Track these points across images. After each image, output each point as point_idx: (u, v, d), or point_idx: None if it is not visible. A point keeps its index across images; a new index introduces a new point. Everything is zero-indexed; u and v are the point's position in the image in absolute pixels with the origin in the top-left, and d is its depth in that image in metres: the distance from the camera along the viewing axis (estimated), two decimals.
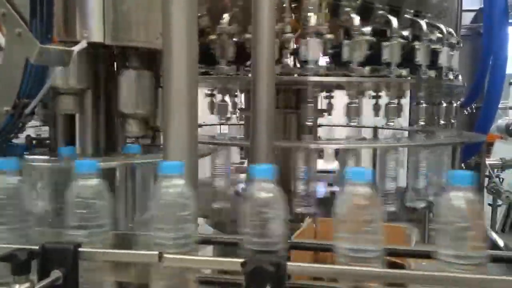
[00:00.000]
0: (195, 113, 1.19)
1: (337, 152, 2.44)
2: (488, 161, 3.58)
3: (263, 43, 1.60)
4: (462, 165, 3.02)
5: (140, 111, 1.48)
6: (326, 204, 2.11)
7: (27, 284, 0.88)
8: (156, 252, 0.95)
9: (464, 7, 3.24)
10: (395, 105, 2.00)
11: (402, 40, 1.97)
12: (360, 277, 0.90)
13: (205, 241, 1.05)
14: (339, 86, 2.13)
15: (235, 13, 2.07)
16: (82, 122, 1.39)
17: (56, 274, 0.95)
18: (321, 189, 1.99)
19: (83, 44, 1.09)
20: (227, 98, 2.18)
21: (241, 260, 0.88)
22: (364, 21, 1.99)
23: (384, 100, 2.14)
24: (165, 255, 0.94)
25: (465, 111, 3.36)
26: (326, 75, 1.97)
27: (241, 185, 2.14)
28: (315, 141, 2.20)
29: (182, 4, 1.20)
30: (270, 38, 1.62)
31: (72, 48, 1.04)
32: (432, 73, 2.15)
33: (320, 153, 2.21)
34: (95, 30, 1.27)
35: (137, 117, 1.50)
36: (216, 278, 1.13)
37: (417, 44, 2.03)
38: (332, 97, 2.52)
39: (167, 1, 1.18)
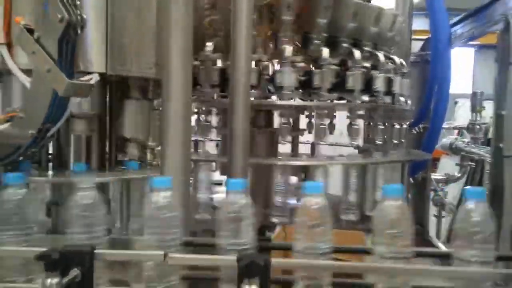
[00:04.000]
0: (189, 135, 1.39)
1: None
2: (433, 176, 3.91)
3: (240, 70, 1.81)
4: (411, 179, 3.33)
5: (139, 136, 1.67)
6: None
7: (57, 279, 1.05)
8: (162, 252, 1.14)
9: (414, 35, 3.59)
10: (357, 127, 2.25)
11: (363, 69, 2.25)
12: (316, 269, 1.14)
13: (188, 243, 1.25)
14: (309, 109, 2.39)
15: (217, 42, 2.26)
16: (91, 142, 1.57)
17: (75, 272, 1.13)
18: (293, 201, 2.21)
19: (96, 77, 1.28)
20: (209, 118, 2.38)
21: (235, 257, 1.09)
22: (331, 52, 2.26)
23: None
24: (170, 255, 1.14)
25: (413, 130, 3.70)
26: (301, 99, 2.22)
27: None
28: (280, 158, 2.42)
29: (179, 38, 1.41)
30: (247, 66, 1.83)
31: (91, 82, 1.22)
32: (388, 99, 2.43)
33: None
34: (98, 62, 1.45)
35: (137, 141, 1.69)
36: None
37: (375, 73, 2.31)
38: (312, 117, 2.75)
39: (167, 35, 1.38)
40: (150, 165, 1.78)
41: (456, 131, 5.18)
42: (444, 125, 4.90)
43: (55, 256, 1.06)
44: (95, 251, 1.15)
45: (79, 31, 1.17)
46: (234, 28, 1.78)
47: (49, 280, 1.05)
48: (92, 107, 1.45)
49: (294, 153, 2.53)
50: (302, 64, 2.17)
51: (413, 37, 3.79)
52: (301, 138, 2.73)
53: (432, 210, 3.92)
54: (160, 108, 1.66)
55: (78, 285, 1.12)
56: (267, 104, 2.20)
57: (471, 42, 4.47)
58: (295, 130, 2.50)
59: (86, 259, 1.14)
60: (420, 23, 4.26)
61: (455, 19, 3.42)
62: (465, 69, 11.97)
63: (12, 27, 1.36)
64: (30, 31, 1.16)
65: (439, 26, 3.22)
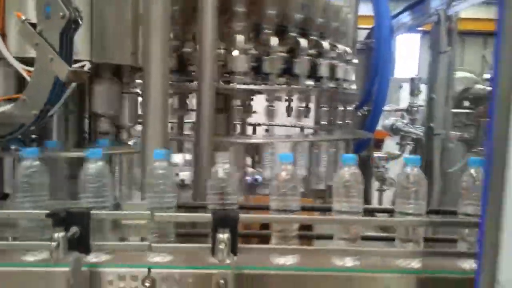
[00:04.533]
0: (167, 115, 1.63)
1: None
2: (376, 154, 4.30)
3: (206, 58, 2.04)
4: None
5: (110, 112, 1.88)
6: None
7: (63, 233, 1.28)
8: (149, 212, 1.39)
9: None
10: (304, 108, 2.54)
11: (309, 57, 2.52)
12: (285, 221, 1.43)
13: (181, 206, 1.50)
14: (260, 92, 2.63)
15: (176, 30, 2.47)
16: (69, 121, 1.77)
17: (74, 229, 1.36)
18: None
19: (88, 65, 1.49)
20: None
21: (210, 214, 1.36)
22: (280, 41, 2.51)
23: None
24: (156, 213, 1.39)
25: (359, 113, 4.05)
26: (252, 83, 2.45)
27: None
28: (238, 137, 2.66)
29: (159, 30, 1.64)
30: (211, 55, 2.06)
31: (87, 70, 1.43)
32: (332, 84, 2.73)
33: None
34: (85, 51, 1.66)
35: (107, 116, 1.90)
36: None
37: (320, 60, 2.59)
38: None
39: (147, 29, 1.60)
40: (125, 143, 2.01)
41: (399, 113, 5.61)
42: (388, 108, 5.33)
43: (62, 215, 1.29)
44: (91, 212, 1.38)
45: (78, 25, 1.37)
46: (200, 19, 2.00)
47: (56, 234, 1.28)
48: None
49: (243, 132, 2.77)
50: (253, 51, 2.36)
51: (361, 26, 4.13)
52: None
53: (375, 185, 4.32)
54: (138, 91, 1.89)
55: (78, 240, 1.36)
56: (223, 88, 2.42)
57: (418, 28, 4.82)
58: (247, 112, 2.75)
59: (84, 218, 1.38)
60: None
61: (397, 10, 3.76)
62: (412, 55, 12.61)
63: (6, 20, 1.55)
64: (33, 25, 1.36)
65: (381, 16, 3.55)
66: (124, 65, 1.86)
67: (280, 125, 3.52)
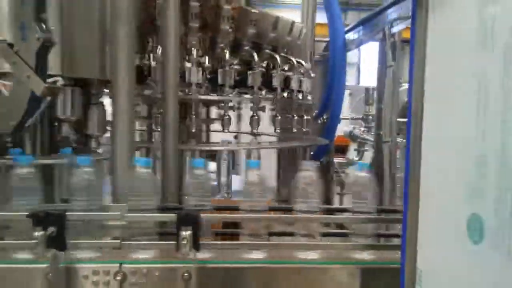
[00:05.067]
0: (133, 122, 1.80)
1: None
2: (336, 160, 4.54)
3: (170, 70, 2.18)
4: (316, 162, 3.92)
5: (71, 117, 2.02)
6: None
7: (42, 232, 1.43)
8: (118, 212, 1.55)
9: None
10: (256, 117, 2.72)
11: (262, 69, 2.71)
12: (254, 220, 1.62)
13: (161, 208, 1.67)
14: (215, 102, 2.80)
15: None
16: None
17: (51, 229, 1.50)
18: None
19: (61, 80, 1.64)
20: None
21: (175, 214, 1.53)
22: (235, 54, 2.69)
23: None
24: (126, 214, 1.55)
25: (318, 121, 4.29)
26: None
27: None
28: (199, 145, 2.83)
29: (125, 48, 1.80)
30: (175, 66, 2.21)
31: (59, 85, 1.59)
32: (286, 94, 2.93)
33: None
34: (56, 67, 1.81)
35: (69, 121, 2.03)
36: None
37: (273, 72, 2.79)
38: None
39: (115, 47, 1.77)
40: (93, 151, 2.15)
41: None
42: (348, 116, 5.60)
43: (41, 215, 1.44)
44: (66, 213, 1.53)
45: (52, 45, 1.52)
46: (164, 34, 2.16)
47: (36, 233, 1.43)
48: None
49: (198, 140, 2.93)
50: (207, 64, 2.52)
51: (320, 38, 4.38)
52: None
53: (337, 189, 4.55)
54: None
55: (53, 239, 1.50)
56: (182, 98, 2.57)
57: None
58: (205, 120, 2.92)
59: (60, 219, 1.52)
60: None
61: (349, 26, 4.02)
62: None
63: None
64: (10, 45, 1.50)
65: (335, 30, 3.80)
66: (93, 78, 2.01)
67: (243, 133, 3.73)
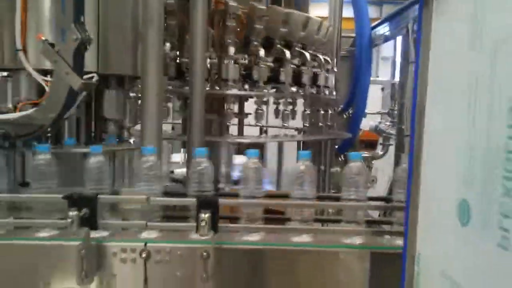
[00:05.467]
0: (161, 117, 1.96)
1: None
2: (363, 154, 4.61)
3: (197, 66, 2.35)
4: (342, 156, 4.02)
5: (116, 117, 2.20)
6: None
7: (76, 212, 1.59)
8: (145, 196, 1.70)
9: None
10: (289, 112, 2.84)
11: (293, 66, 2.83)
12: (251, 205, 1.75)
13: (166, 193, 1.81)
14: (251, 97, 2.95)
15: (173, 42, 2.79)
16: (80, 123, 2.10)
17: (85, 210, 1.67)
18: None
19: (96, 77, 1.81)
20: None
21: (195, 198, 1.67)
22: (268, 51, 2.82)
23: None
24: (151, 198, 1.70)
25: (344, 115, 4.37)
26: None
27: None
28: (227, 137, 2.98)
29: (156, 45, 1.95)
30: (202, 63, 2.37)
31: (94, 81, 1.75)
32: (314, 90, 3.05)
33: None
34: (92, 64, 1.98)
35: (114, 121, 2.22)
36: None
37: (303, 69, 2.90)
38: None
39: (145, 47, 1.92)
40: (126, 141, 2.33)
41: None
42: (373, 111, 5.64)
43: (75, 197, 1.60)
44: (99, 196, 1.70)
45: (88, 46, 1.69)
46: (192, 32, 2.31)
47: (70, 213, 1.60)
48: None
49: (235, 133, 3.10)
50: (243, 61, 2.69)
51: (347, 34, 4.45)
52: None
53: None
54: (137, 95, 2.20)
55: (87, 219, 1.67)
56: (215, 93, 2.73)
57: None
58: (240, 115, 3.07)
59: (93, 201, 1.69)
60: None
61: (376, 22, 4.08)
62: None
63: (28, 37, 1.87)
64: (52, 45, 1.67)
65: (362, 27, 3.88)
66: (125, 75, 2.17)
67: (272, 127, 3.87)
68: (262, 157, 5.16)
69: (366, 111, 4.35)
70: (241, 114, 3.09)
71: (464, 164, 1.15)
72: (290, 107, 2.94)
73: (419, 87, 1.45)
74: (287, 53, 2.80)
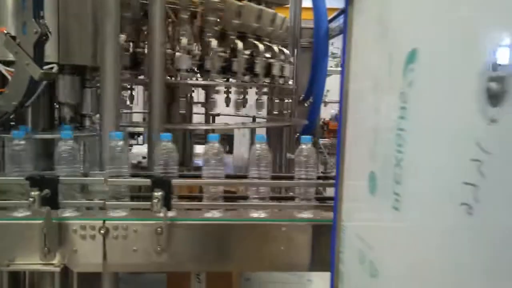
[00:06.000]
0: (118, 106, 2.10)
1: None
2: (321, 141, 4.83)
3: (155, 56, 2.49)
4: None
5: (70, 101, 2.32)
6: None
7: (37, 192, 1.73)
8: (102, 178, 1.85)
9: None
10: (241, 100, 3.02)
11: (246, 56, 2.99)
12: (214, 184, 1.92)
13: (134, 175, 1.96)
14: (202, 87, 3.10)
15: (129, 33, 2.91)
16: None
17: (46, 191, 1.81)
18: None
19: (56, 67, 1.94)
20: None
21: (150, 179, 1.83)
22: (222, 42, 2.97)
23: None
24: (108, 179, 1.86)
25: (305, 104, 4.57)
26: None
27: None
28: (188, 125, 3.14)
29: (112, 39, 2.09)
30: (160, 53, 2.51)
31: (55, 71, 1.88)
32: (268, 79, 3.22)
33: None
34: (53, 55, 2.10)
35: (68, 105, 2.33)
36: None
37: (257, 59, 3.07)
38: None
39: (103, 38, 2.06)
40: (87, 128, 2.45)
41: None
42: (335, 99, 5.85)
43: (36, 178, 1.75)
44: (59, 178, 1.84)
45: (47, 38, 1.82)
46: (150, 25, 2.45)
47: (32, 193, 1.74)
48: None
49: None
50: (197, 52, 2.83)
51: (308, 26, 4.63)
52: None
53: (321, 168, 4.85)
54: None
55: (48, 199, 1.81)
56: (172, 83, 2.84)
57: None
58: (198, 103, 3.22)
59: (53, 182, 1.83)
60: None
61: (332, 15, 4.27)
62: None
63: None
64: (13, 38, 1.79)
65: (319, 19, 4.06)
66: (85, 65, 2.30)
67: (232, 115, 4.04)
68: (230, 145, 5.34)
69: (328, 100, 4.55)
70: (206, 104, 3.23)
71: (372, 142, 1.34)
72: (245, 96, 3.10)
73: (345, 76, 1.64)
74: (240, 44, 2.95)
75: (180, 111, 2.74)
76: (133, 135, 5.44)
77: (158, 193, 1.78)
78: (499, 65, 0.75)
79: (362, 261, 1.38)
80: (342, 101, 1.65)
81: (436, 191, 0.93)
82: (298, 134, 4.23)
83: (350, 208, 1.57)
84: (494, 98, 0.75)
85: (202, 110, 3.77)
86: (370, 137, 1.36)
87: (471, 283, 0.82)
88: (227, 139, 5.27)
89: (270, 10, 3.26)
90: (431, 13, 0.99)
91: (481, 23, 0.80)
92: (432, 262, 0.95)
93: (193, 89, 3.15)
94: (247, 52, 2.99)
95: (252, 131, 4.24)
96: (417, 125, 1.04)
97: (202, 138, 4.08)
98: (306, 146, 1.99)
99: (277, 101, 3.34)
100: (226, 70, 2.93)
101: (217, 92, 2.98)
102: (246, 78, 2.99)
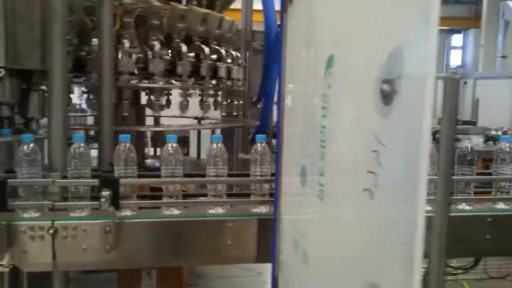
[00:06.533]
0: (66, 109, 2.14)
1: None
2: (274, 141, 4.94)
3: (105, 59, 2.52)
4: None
5: (9, 100, 2.32)
6: None
7: None
8: (51, 179, 1.90)
9: None
10: (186, 102, 3.06)
11: (191, 60, 3.05)
12: (169, 183, 1.99)
13: (94, 176, 2.00)
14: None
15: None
16: None
17: None
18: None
19: (2, 71, 1.96)
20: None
21: (98, 179, 1.89)
22: (167, 45, 3.01)
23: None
24: (56, 180, 1.90)
25: (258, 105, 4.68)
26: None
27: None
28: (141, 127, 3.18)
29: (59, 42, 2.12)
30: (110, 56, 2.55)
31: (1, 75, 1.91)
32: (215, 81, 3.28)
33: None
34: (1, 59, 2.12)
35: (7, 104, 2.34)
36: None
37: (202, 62, 3.13)
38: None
39: (50, 40, 2.10)
40: (35, 132, 2.47)
41: None
42: None
43: None
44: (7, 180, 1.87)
45: None
46: (100, 30, 2.49)
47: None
48: None
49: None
50: (138, 54, 2.81)
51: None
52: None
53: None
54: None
55: None
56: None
57: None
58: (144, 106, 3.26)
59: (1, 184, 1.86)
60: None
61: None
62: None
63: None
64: None
65: (269, 23, 4.18)
66: (33, 69, 2.33)
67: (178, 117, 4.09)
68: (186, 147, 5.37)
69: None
70: (152, 106, 3.27)
71: (303, 139, 1.46)
72: (187, 98, 3.11)
73: (282, 78, 1.76)
74: (184, 47, 3.00)
75: (124, 114, 2.78)
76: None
77: (106, 193, 1.84)
78: (391, 70, 0.87)
79: (296, 249, 1.49)
80: (280, 102, 1.77)
81: (347, 180, 1.06)
82: (251, 134, 4.34)
83: (287, 201, 1.69)
84: (386, 97, 0.87)
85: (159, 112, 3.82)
86: (302, 134, 1.48)
87: (378, 256, 0.94)
88: (182, 141, 5.33)
89: (216, 14, 3.34)
90: (344, 25, 1.12)
91: (377, 34, 0.93)
92: (345, 244, 1.06)
93: (146, 91, 3.18)
94: (191, 54, 3.04)
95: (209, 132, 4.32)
96: (333, 123, 1.17)
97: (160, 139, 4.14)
98: (260, 145, 2.10)
99: (225, 102, 3.42)
100: (171, 73, 2.97)
101: (165, 94, 3.04)
102: (191, 80, 3.04)
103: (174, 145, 2.02)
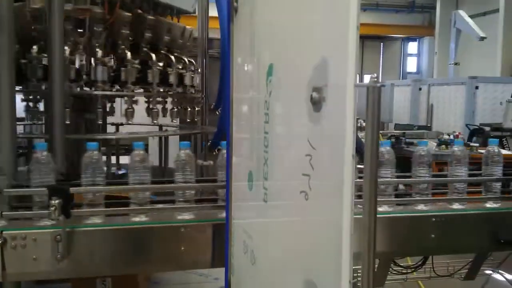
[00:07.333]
0: (14, 119, 2.12)
1: None
2: None
3: (55, 66, 2.51)
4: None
5: None
6: None
7: None
8: (45, 189, 1.86)
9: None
10: (131, 109, 3.06)
11: (159, 68, 3.07)
12: (138, 190, 1.99)
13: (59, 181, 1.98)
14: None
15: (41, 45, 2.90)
16: None
17: None
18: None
19: None
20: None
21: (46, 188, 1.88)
22: (136, 54, 3.03)
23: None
24: (4, 190, 1.88)
25: (217, 112, 4.71)
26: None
27: None
28: (94, 135, 3.16)
29: (7, 50, 2.10)
30: (61, 64, 2.53)
31: None
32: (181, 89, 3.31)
33: None
34: None
35: None
36: None
37: (169, 70, 3.16)
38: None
39: None
40: None
41: None
42: None
43: None
44: None
45: None
46: (50, 38, 2.47)
47: None
48: None
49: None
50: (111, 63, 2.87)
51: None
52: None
53: None
54: None
55: None
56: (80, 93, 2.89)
57: None
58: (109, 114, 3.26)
59: None
60: None
61: None
62: None
63: None
64: None
65: (224, 29, 4.23)
66: None
67: (143, 124, 4.09)
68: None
69: None
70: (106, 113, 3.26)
71: (250, 145, 1.50)
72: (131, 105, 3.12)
73: (230, 85, 1.80)
74: (153, 56, 3.03)
75: (77, 120, 2.77)
76: None
77: (55, 201, 1.83)
78: (319, 79, 0.93)
79: (246, 252, 1.53)
80: (229, 109, 1.81)
81: (286, 183, 1.11)
82: (210, 141, 4.36)
83: (237, 206, 1.72)
84: (316, 104, 0.93)
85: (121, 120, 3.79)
86: (249, 140, 1.52)
87: (313, 254, 0.99)
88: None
89: (180, 24, 3.38)
90: (281, 36, 1.17)
91: (308, 45, 0.98)
92: (286, 243, 1.11)
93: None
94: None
95: (165, 139, 4.32)
96: (274, 128, 1.21)
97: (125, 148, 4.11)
98: (223, 151, 2.12)
99: (176, 109, 3.43)
100: (117, 80, 2.98)
101: (108, 101, 3.05)
102: (136, 88, 3.05)
103: (140, 152, 2.02)
